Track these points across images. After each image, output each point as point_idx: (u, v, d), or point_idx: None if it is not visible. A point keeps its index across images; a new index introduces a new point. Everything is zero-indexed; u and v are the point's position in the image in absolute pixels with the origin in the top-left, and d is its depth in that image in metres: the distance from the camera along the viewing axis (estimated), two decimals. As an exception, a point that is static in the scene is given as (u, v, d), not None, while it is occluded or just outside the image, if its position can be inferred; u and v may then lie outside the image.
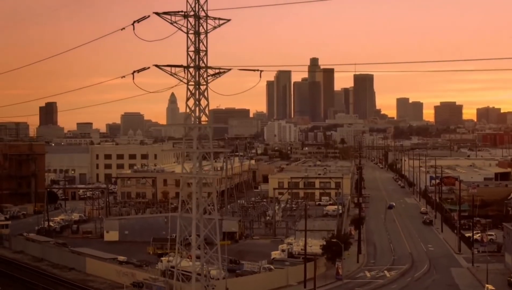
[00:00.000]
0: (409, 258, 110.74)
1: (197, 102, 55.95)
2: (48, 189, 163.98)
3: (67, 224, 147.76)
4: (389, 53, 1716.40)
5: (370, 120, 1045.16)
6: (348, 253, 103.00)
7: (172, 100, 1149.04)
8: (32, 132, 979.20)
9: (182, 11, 54.53)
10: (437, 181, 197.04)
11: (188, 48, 56.09)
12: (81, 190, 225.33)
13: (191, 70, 56.23)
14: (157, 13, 53.62)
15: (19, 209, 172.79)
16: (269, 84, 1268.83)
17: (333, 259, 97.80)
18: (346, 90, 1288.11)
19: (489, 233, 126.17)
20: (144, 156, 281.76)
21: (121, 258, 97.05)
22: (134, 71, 56.93)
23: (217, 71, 57.62)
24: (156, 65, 55.01)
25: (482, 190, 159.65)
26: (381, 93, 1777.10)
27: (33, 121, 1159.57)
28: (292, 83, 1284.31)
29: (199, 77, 56.21)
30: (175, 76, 55.83)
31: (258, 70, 57.83)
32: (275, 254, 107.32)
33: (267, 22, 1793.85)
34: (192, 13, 55.68)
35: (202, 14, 56.04)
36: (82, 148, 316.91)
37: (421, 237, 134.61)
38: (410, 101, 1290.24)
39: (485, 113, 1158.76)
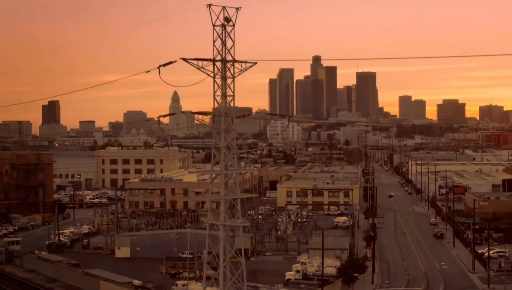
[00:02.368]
0: (423, 279, 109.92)
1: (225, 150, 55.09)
2: (56, 202, 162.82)
3: (76, 237, 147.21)
4: (391, 50, 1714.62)
5: (373, 118, 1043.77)
6: (364, 276, 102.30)
7: (175, 98, 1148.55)
8: (35, 130, 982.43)
9: (210, 59, 53.97)
10: (446, 190, 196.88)
11: (214, 92, 55.49)
12: (88, 198, 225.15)
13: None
14: (184, 59, 53.05)
15: (28, 220, 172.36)
16: (272, 82, 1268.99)
17: (349, 282, 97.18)
18: (348, 88, 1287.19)
19: (502, 250, 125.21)
20: (150, 161, 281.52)
21: (136, 282, 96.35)
22: (160, 116, 56.46)
23: (243, 114, 57.19)
24: (183, 112, 54.42)
25: (493, 203, 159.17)
26: (383, 91, 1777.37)
27: (36, 120, 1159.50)
28: (294, 80, 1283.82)
29: (226, 122, 55.56)
30: (202, 121, 55.28)
31: (285, 115, 57.02)
32: (290, 275, 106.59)
33: (269, 20, 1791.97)
34: (219, 57, 55.16)
35: (229, 58, 55.54)
36: (88, 153, 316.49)
37: (433, 252, 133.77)
38: (413, 99, 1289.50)
39: (487, 111, 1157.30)
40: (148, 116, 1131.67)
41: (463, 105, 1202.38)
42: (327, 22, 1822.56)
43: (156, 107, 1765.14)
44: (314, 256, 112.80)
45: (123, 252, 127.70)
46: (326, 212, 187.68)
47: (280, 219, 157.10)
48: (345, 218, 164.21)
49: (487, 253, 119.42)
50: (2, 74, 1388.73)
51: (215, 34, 55.18)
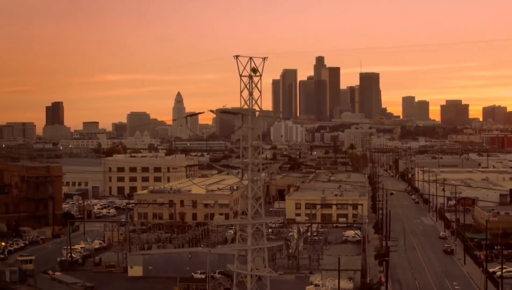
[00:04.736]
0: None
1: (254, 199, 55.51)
2: (68, 220, 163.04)
3: (88, 253, 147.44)
4: (394, 51, 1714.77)
5: (377, 119, 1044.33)
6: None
7: (179, 99, 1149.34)
8: (39, 131, 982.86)
9: (237, 112, 54.47)
10: (455, 201, 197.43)
11: (241, 143, 55.93)
12: (96, 208, 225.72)
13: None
14: (211, 111, 53.57)
15: (38, 234, 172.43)
16: (275, 83, 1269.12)
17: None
18: (351, 89, 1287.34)
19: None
20: (157, 169, 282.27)
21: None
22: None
23: (269, 162, 57.67)
24: (211, 164, 54.91)
25: (503, 218, 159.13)
26: (386, 90, 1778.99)
27: (40, 121, 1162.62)
28: (298, 81, 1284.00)
29: (253, 173, 55.97)
30: (229, 170, 55.87)
31: (310, 165, 57.24)
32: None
33: (271, 21, 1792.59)
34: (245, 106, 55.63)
35: (256, 107, 56.00)
36: (95, 161, 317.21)
37: (444, 271, 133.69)
38: (416, 99, 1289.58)
39: (491, 112, 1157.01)
40: (152, 116, 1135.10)
41: (466, 106, 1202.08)
42: (329, 22, 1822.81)
43: (159, 107, 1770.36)
44: (327, 277, 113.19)
45: (135, 271, 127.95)
46: (334, 225, 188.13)
47: (290, 234, 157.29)
48: (355, 232, 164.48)
49: (498, 272, 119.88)
50: (5, 74, 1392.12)
51: (242, 84, 55.66)
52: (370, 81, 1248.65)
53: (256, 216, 56.51)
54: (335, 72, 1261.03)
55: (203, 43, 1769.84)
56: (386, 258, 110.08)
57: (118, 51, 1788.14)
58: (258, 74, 55.69)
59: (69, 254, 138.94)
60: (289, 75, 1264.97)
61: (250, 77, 55.48)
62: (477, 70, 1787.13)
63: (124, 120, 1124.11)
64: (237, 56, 53.61)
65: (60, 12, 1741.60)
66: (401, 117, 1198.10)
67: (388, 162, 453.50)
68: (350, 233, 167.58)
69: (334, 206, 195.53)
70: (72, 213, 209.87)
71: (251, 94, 55.89)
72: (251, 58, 54.53)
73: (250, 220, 56.13)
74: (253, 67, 54.98)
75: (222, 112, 54.17)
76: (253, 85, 55.87)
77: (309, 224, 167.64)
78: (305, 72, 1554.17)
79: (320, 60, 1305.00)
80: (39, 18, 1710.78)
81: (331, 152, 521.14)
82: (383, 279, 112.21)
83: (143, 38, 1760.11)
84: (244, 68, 54.97)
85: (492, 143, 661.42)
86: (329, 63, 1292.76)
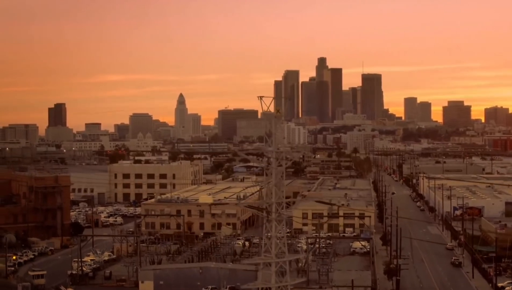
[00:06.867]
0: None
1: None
2: (80, 236, 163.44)
3: (98, 266, 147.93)
4: (396, 51, 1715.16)
5: (379, 121, 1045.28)
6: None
7: (181, 100, 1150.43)
8: (41, 132, 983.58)
9: (258, 153, 55.22)
10: (460, 211, 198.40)
11: (265, 182, 56.76)
12: (102, 216, 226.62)
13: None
14: (235, 152, 54.22)
15: (47, 245, 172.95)
16: (277, 84, 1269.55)
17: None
18: (353, 90, 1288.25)
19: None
20: (163, 176, 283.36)
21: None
22: (211, 206, 57.61)
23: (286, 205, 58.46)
24: (236, 203, 55.77)
25: (511, 231, 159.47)
26: (388, 90, 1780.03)
27: (43, 122, 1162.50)
28: (300, 82, 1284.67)
29: (272, 213, 56.75)
30: (251, 209, 56.52)
31: (338, 205, 57.85)
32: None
33: (272, 21, 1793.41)
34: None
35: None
36: (101, 167, 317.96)
37: (453, 285, 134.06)
38: (418, 101, 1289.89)
39: (493, 113, 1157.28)
40: (154, 118, 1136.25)
41: (468, 107, 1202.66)
42: (331, 22, 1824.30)
43: (161, 108, 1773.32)
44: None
45: (146, 286, 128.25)
46: (341, 234, 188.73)
47: (299, 245, 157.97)
48: (362, 243, 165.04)
49: (508, 287, 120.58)
50: (6, 74, 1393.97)
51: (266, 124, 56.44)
52: (372, 82, 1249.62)
53: (280, 254, 57.29)
54: (337, 73, 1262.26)
55: (203, 43, 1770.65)
56: (398, 278, 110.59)
57: (118, 51, 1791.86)
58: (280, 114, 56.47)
59: (80, 268, 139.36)
60: (291, 76, 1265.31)
61: (274, 117, 56.30)
62: (479, 70, 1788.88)
63: (126, 121, 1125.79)
64: (261, 97, 54.55)
65: (60, 12, 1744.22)
66: (403, 118, 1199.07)
67: (392, 166, 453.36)
68: (357, 244, 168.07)
69: (341, 219, 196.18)
70: (79, 221, 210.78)
71: (274, 133, 56.71)
72: (274, 98, 55.36)
73: (274, 258, 56.84)
74: (277, 108, 55.79)
75: (246, 154, 54.74)
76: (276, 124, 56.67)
77: (317, 236, 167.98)
78: (307, 73, 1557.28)
79: (322, 61, 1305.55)
80: (39, 18, 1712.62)
81: (334, 155, 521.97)
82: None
83: (143, 38, 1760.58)
84: (268, 108, 55.88)
85: (495, 146, 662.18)
86: (331, 64, 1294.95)
